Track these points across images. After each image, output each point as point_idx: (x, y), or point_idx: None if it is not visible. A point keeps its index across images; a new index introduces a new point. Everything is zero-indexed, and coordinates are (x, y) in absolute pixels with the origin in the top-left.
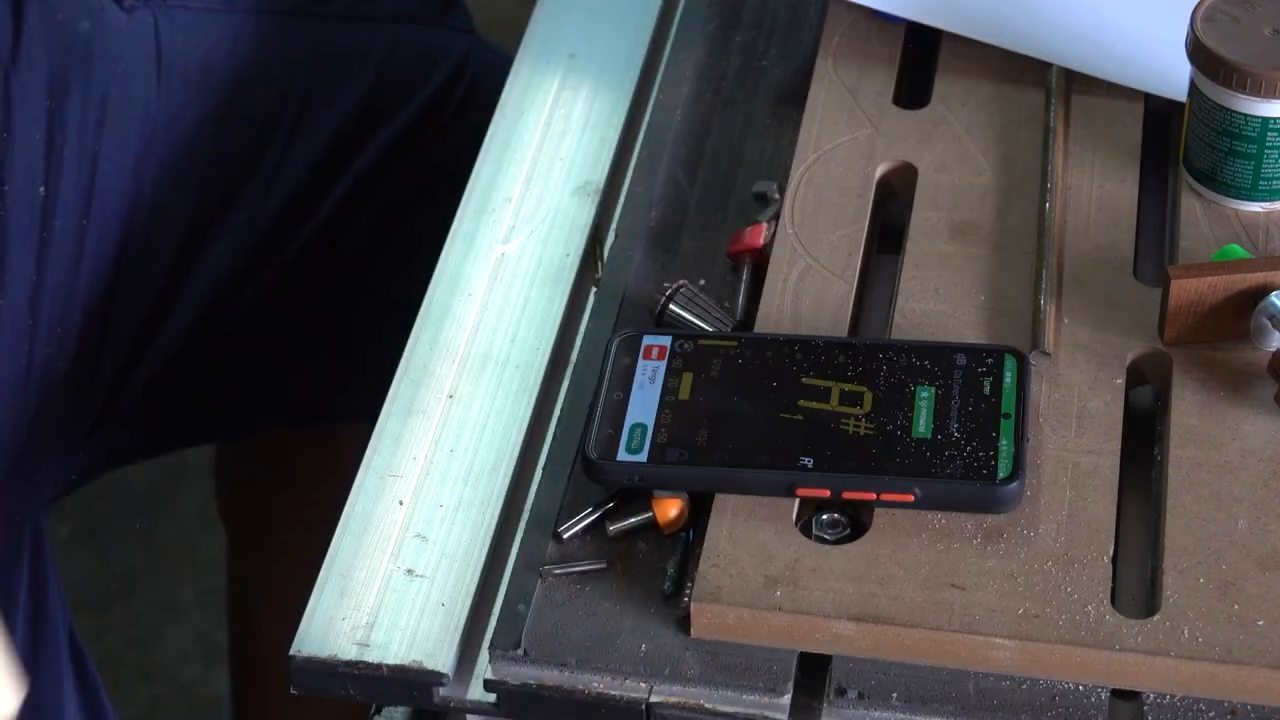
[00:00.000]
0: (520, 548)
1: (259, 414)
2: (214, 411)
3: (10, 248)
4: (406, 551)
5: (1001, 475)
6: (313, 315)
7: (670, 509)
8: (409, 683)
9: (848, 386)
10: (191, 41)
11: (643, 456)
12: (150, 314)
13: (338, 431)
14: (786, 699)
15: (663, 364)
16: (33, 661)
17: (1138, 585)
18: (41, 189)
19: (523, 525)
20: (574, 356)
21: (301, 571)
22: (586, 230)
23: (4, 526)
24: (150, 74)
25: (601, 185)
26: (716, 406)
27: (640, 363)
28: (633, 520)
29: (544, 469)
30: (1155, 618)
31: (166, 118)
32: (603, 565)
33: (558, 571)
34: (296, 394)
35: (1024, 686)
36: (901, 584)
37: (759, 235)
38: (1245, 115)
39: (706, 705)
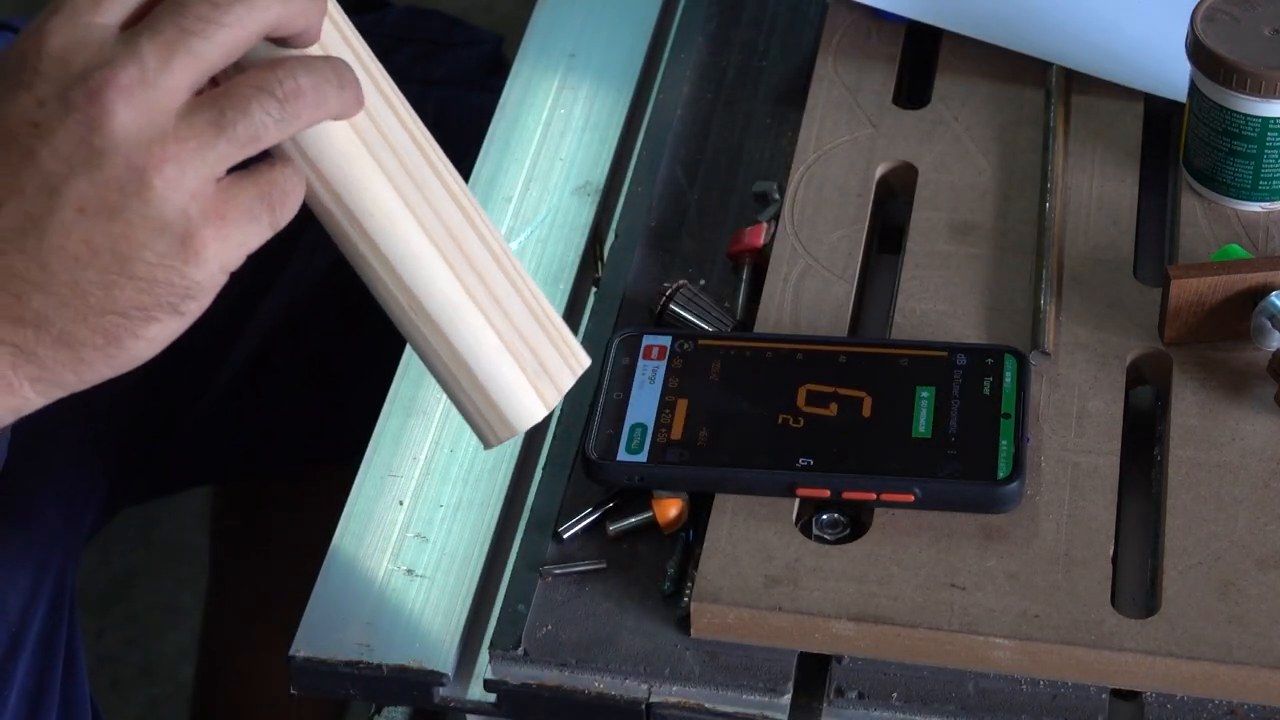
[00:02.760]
0: (520, 548)
1: (265, 455)
2: (224, 453)
3: None
4: (406, 551)
5: (1001, 475)
6: (328, 361)
7: (670, 509)
8: (409, 683)
9: (848, 386)
10: None
11: (643, 456)
12: (199, 367)
13: (332, 472)
14: (786, 699)
15: (663, 364)
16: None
17: (1138, 585)
18: None
19: (523, 525)
20: None
21: (277, 610)
22: (586, 230)
23: (34, 570)
24: None
25: (601, 185)
26: (716, 407)
27: (640, 363)
28: (633, 520)
29: (544, 469)
30: (1155, 618)
31: None
32: (603, 565)
33: (558, 571)
34: (305, 434)
35: (1024, 686)
36: (901, 584)
37: (759, 235)
38: (1245, 115)
39: (706, 705)
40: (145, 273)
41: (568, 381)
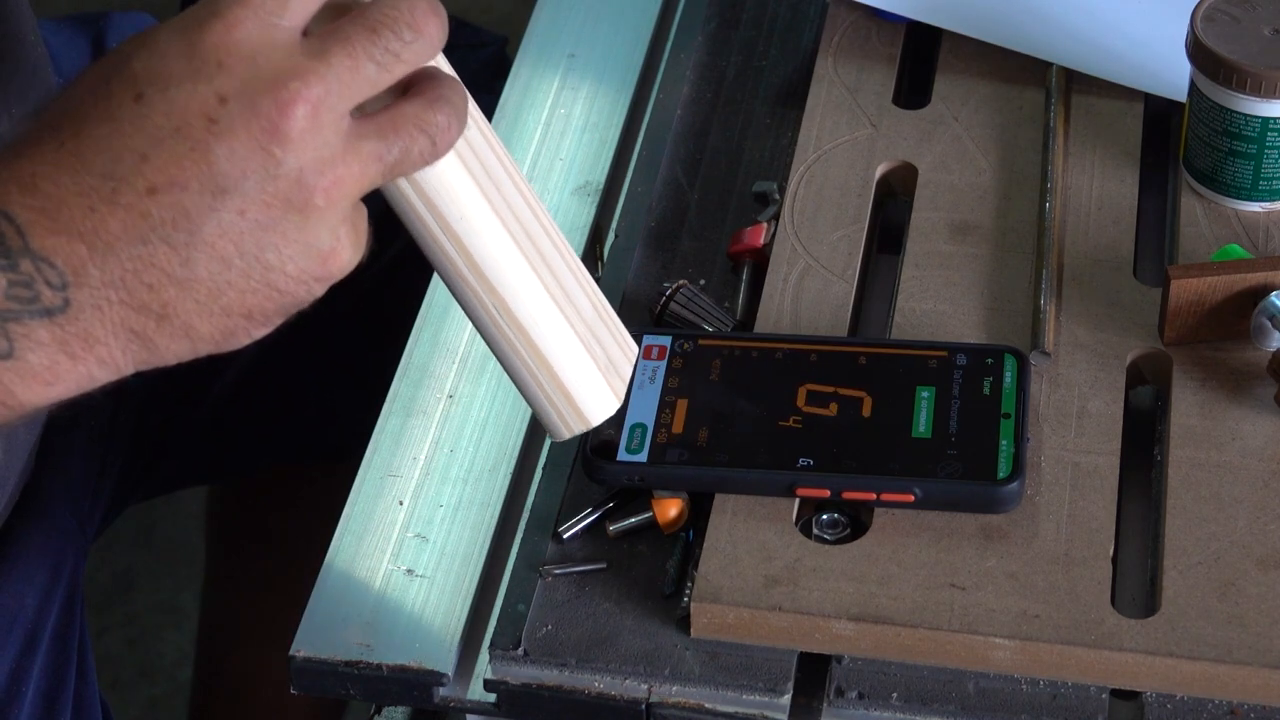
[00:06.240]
0: (520, 548)
1: (266, 451)
2: (226, 449)
3: None
4: (406, 551)
5: (1001, 475)
6: (329, 359)
7: (670, 509)
8: (409, 683)
9: (848, 386)
10: None
11: (643, 456)
12: (205, 366)
13: (332, 471)
14: (786, 699)
15: (663, 364)
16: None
17: (1138, 585)
18: None
19: (523, 525)
20: None
21: (276, 609)
22: (586, 230)
23: (49, 569)
24: None
25: (601, 185)
26: (716, 406)
27: (640, 363)
28: (633, 520)
29: (544, 469)
30: (1155, 618)
31: None
32: (603, 565)
33: (558, 571)
34: (306, 431)
35: (1024, 686)
36: (901, 584)
37: (759, 235)
38: (1245, 115)
39: (706, 705)
40: (282, 284)
41: (628, 372)
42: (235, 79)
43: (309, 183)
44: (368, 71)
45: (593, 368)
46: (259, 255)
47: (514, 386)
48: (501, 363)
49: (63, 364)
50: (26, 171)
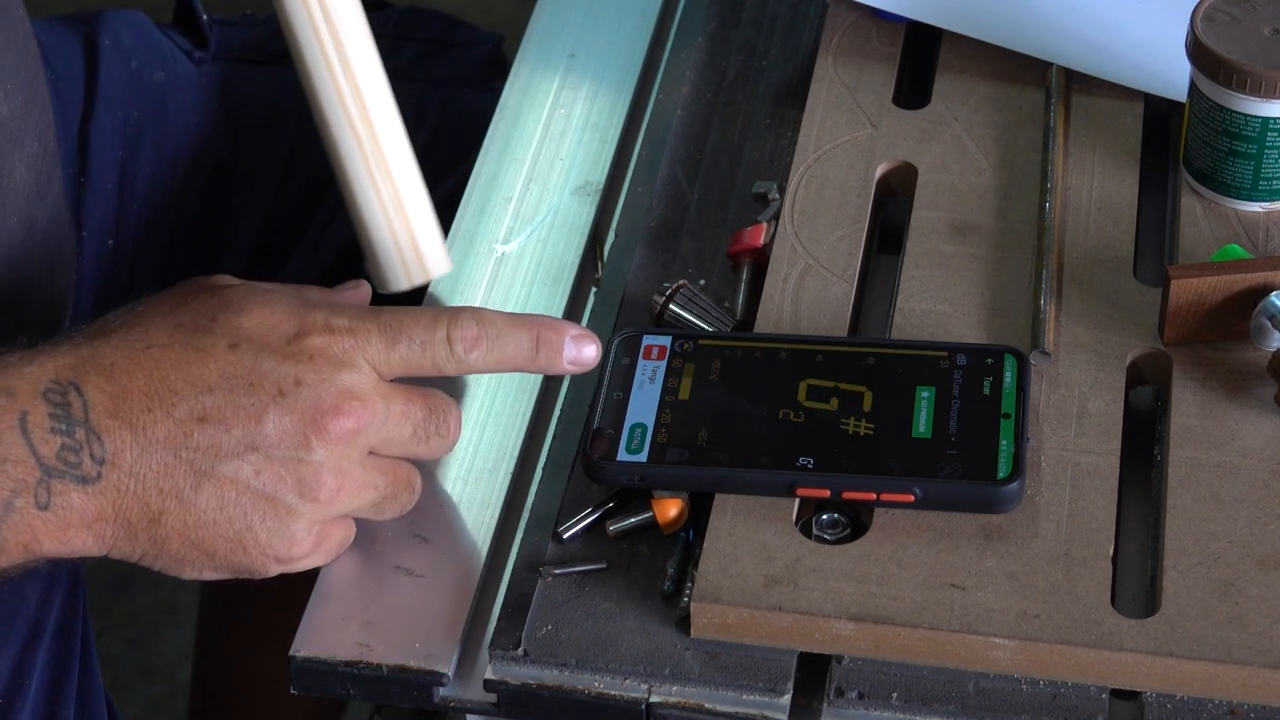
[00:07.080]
0: (520, 548)
1: None
2: None
3: (83, 295)
4: (406, 551)
5: (1001, 475)
6: None
7: (670, 509)
8: (409, 683)
9: (848, 386)
10: (257, 95)
11: (643, 456)
12: None
13: None
14: (786, 699)
15: (663, 364)
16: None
17: (1138, 585)
18: (111, 241)
19: (523, 525)
20: None
21: (276, 609)
22: (586, 230)
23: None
24: (217, 126)
25: (601, 185)
26: (717, 406)
27: (640, 363)
28: (633, 520)
29: (544, 469)
30: (1155, 618)
31: (231, 170)
32: (603, 565)
33: (558, 571)
34: None
35: (1024, 686)
36: (901, 584)
37: (759, 235)
38: (1245, 115)
39: (706, 705)
40: (249, 544)
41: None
42: (317, 374)
43: (324, 479)
44: (404, 431)
45: (437, 228)
46: (248, 511)
47: (359, 229)
48: (358, 203)
49: (74, 526)
50: (108, 360)
